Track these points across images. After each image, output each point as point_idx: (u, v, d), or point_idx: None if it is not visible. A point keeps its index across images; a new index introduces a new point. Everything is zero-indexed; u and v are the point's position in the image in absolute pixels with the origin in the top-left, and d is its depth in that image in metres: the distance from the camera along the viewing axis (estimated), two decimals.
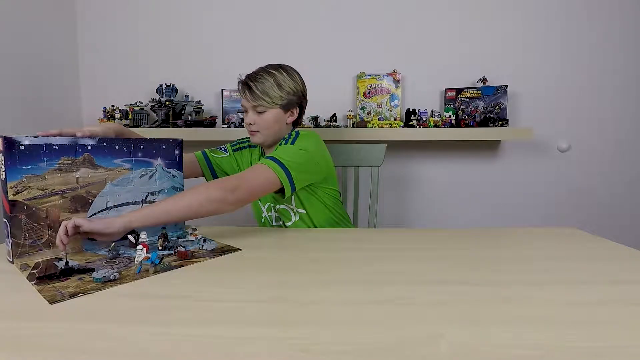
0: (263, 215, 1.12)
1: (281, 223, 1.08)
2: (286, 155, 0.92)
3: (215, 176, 1.15)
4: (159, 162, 0.86)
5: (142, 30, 1.75)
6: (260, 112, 1.00)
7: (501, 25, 1.69)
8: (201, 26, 1.74)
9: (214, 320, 0.46)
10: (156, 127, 1.62)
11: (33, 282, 0.58)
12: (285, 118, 1.03)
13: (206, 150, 1.15)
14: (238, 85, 1.02)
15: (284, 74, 1.00)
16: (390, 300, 0.53)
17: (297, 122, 1.09)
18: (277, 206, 1.07)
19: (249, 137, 1.07)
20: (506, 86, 1.60)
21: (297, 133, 1.01)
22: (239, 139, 1.20)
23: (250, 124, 1.02)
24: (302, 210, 1.05)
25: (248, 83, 0.99)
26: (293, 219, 1.06)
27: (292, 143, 0.97)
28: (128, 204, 0.82)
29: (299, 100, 1.04)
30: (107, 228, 0.70)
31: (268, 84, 0.98)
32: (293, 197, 1.03)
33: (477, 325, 0.45)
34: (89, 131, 0.77)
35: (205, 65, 1.75)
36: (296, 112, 1.05)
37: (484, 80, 1.64)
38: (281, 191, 0.93)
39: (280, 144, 0.99)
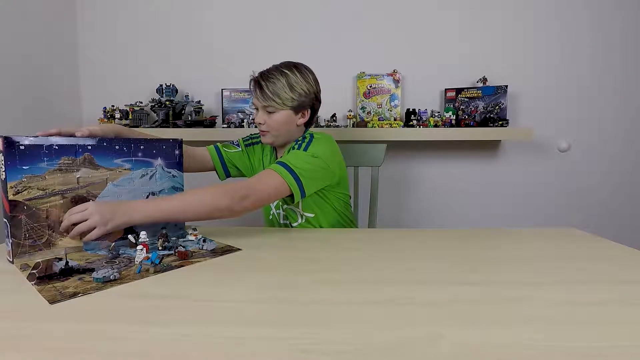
0: (271, 212, 1.12)
1: (288, 222, 1.08)
2: (297, 162, 0.91)
3: (227, 172, 1.14)
4: (159, 162, 0.86)
5: (142, 30, 1.75)
6: (270, 112, 0.99)
7: (501, 25, 1.69)
8: (201, 26, 1.74)
9: (214, 320, 0.46)
10: (156, 127, 1.62)
11: (33, 282, 0.58)
12: (296, 120, 1.01)
13: (219, 144, 1.14)
14: (250, 83, 1.01)
15: (297, 74, 0.98)
16: (390, 300, 0.53)
17: (309, 123, 1.06)
18: (285, 206, 1.06)
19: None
20: (506, 86, 1.60)
21: (312, 137, 0.99)
22: (251, 134, 1.18)
23: (260, 123, 1.01)
24: (310, 214, 1.04)
25: (260, 82, 0.97)
26: (299, 221, 1.05)
27: (305, 149, 0.95)
28: None
29: (311, 102, 1.02)
30: (125, 224, 0.75)
31: (280, 85, 0.96)
32: (301, 201, 1.01)
33: (477, 325, 0.45)
34: (88, 130, 0.77)
35: (205, 65, 1.75)
36: (307, 113, 1.03)
37: (484, 80, 1.64)
38: (291, 195, 0.92)
39: (293, 147, 0.97)
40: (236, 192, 0.83)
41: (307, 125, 1.07)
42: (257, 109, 1.02)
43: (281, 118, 0.99)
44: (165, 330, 0.44)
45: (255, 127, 1.60)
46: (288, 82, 0.96)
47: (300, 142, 0.98)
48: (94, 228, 0.71)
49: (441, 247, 0.80)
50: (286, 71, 0.97)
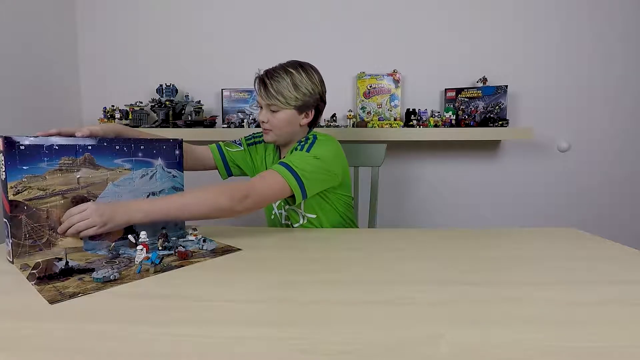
0: (273, 212, 1.11)
1: (289, 223, 1.08)
2: (299, 163, 0.91)
3: (229, 171, 1.14)
4: (159, 162, 0.86)
5: (142, 30, 1.75)
6: (273, 111, 0.98)
7: (501, 25, 1.69)
8: (201, 26, 1.74)
9: (214, 320, 0.46)
10: (156, 127, 1.62)
11: (33, 282, 0.58)
12: (300, 119, 1.01)
13: (221, 143, 1.14)
14: (254, 81, 1.00)
15: (302, 74, 0.97)
16: (390, 300, 0.53)
17: (313, 123, 1.06)
18: (287, 206, 1.06)
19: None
20: (506, 86, 1.60)
21: (315, 138, 0.99)
22: (254, 133, 1.18)
23: (263, 121, 1.00)
24: (312, 215, 1.04)
25: (264, 80, 0.97)
26: (301, 222, 1.05)
27: (308, 150, 0.94)
28: None
29: (315, 103, 1.01)
30: (126, 224, 0.76)
31: (284, 84, 0.95)
32: (303, 202, 1.01)
33: (477, 325, 0.45)
34: (89, 130, 0.77)
35: (205, 65, 1.75)
36: (311, 114, 1.02)
37: (484, 80, 1.64)
38: (293, 196, 0.92)
39: (296, 149, 0.97)
40: (237, 192, 0.83)
41: (311, 125, 1.07)
42: (261, 107, 1.02)
43: (284, 117, 0.99)
44: (165, 330, 0.44)
45: (256, 126, 1.60)
46: (292, 81, 0.96)
47: (303, 143, 0.98)
48: (92, 227, 0.71)
49: (441, 247, 0.81)
50: (291, 70, 0.96)
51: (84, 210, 0.71)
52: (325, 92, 1.04)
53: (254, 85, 1.01)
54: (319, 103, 1.02)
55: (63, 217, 0.72)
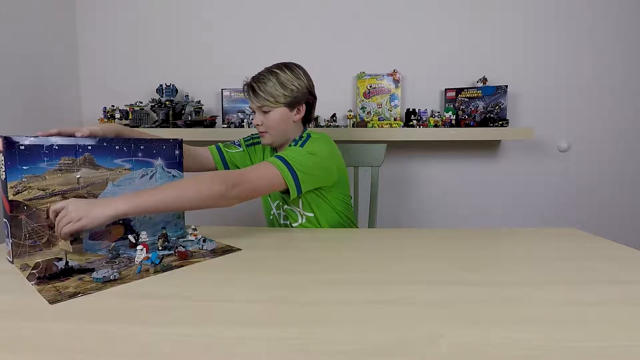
0: (272, 212, 1.12)
1: (288, 222, 1.08)
2: (294, 156, 0.91)
3: None
4: (159, 162, 0.86)
5: (142, 30, 1.75)
6: (266, 112, 1.00)
7: (501, 25, 1.69)
8: (201, 26, 1.74)
9: (214, 320, 0.46)
10: (156, 127, 1.62)
11: (33, 282, 0.58)
12: (292, 116, 1.02)
13: (220, 145, 1.14)
14: (243, 88, 1.03)
15: (287, 72, 0.99)
16: (390, 300, 0.53)
17: (308, 120, 1.07)
18: (285, 206, 1.07)
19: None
20: (506, 86, 1.60)
21: (309, 136, 1.00)
22: (252, 134, 1.19)
23: (258, 124, 1.02)
24: (311, 214, 1.04)
25: (252, 85, 1.00)
26: (300, 221, 1.05)
27: (302, 145, 0.96)
28: None
29: (305, 97, 1.03)
30: (110, 217, 0.69)
31: (271, 84, 0.98)
32: (301, 200, 1.02)
33: (477, 325, 0.45)
34: (89, 130, 0.77)
35: (205, 65, 1.75)
36: (303, 109, 1.03)
37: (484, 80, 1.64)
38: (287, 192, 0.92)
39: (290, 145, 0.98)
40: (229, 179, 0.82)
41: (305, 122, 1.08)
42: (254, 111, 1.03)
43: (277, 116, 1.00)
44: (165, 330, 0.44)
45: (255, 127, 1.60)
46: (279, 80, 0.98)
47: (297, 140, 0.99)
48: (68, 223, 0.67)
49: (441, 247, 0.80)
50: (276, 70, 0.99)
51: (63, 207, 0.68)
52: (313, 86, 1.05)
53: (244, 93, 1.03)
54: (308, 97, 1.04)
55: (51, 216, 0.69)
